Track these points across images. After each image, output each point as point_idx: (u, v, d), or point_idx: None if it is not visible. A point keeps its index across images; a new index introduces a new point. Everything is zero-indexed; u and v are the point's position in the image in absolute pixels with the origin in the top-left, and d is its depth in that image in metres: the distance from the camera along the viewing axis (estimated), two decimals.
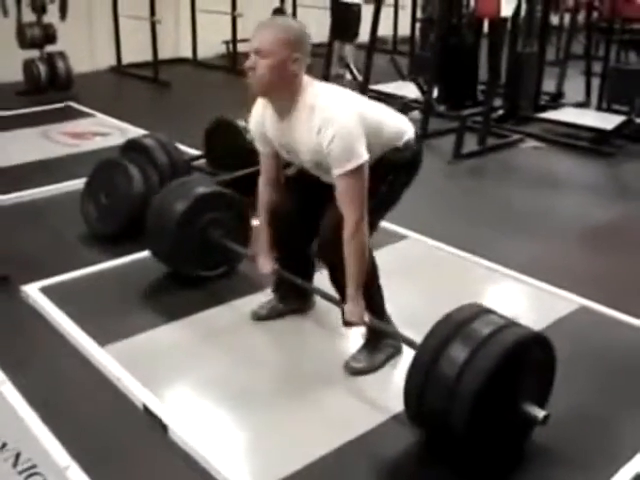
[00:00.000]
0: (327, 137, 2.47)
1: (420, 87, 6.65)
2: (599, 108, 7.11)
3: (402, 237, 4.10)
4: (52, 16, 7.54)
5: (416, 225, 4.17)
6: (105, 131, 6.30)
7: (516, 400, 2.30)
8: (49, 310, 3.28)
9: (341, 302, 2.80)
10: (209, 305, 3.38)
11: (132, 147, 4.31)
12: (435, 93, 6.65)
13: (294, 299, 3.30)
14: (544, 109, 7.00)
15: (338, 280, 2.78)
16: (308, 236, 2.97)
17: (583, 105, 7.44)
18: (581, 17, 8.54)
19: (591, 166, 5.88)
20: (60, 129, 6.35)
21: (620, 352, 3.10)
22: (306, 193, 2.95)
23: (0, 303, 3.40)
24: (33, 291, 3.45)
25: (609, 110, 6.91)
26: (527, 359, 2.32)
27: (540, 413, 2.30)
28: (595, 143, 6.19)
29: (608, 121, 6.36)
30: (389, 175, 2.81)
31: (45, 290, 3.46)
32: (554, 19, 8.85)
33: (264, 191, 2.98)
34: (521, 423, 2.35)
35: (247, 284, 3.57)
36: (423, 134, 6.06)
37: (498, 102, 6.77)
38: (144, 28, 8.49)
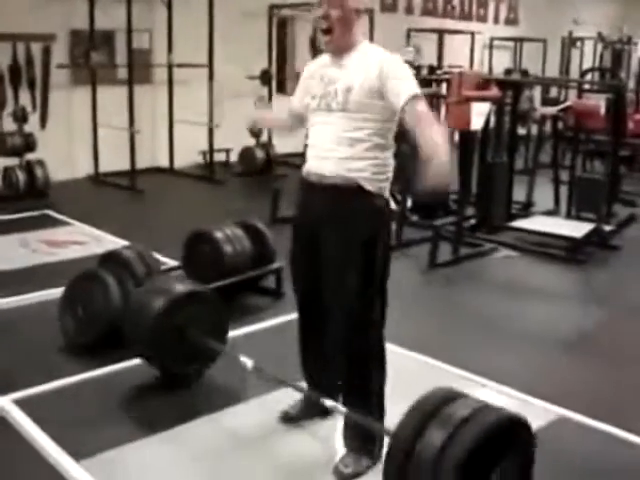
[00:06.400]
0: (395, 72, 2.78)
1: (394, 197, 6.76)
2: (568, 215, 7.30)
3: None
4: (32, 124, 7.70)
5: (392, 336, 4.16)
6: (82, 240, 6.34)
7: None
8: (23, 423, 3.22)
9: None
10: (188, 418, 3.34)
11: (110, 259, 4.34)
12: (409, 203, 6.80)
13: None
14: (515, 218, 7.15)
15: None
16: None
17: (553, 213, 7.64)
18: (547, 127, 8.82)
19: (563, 274, 5.99)
20: (38, 237, 6.39)
21: (600, 463, 3.10)
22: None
23: None
24: (7, 403, 3.39)
25: (578, 218, 7.09)
26: (506, 442, 2.27)
27: None
28: (566, 251, 6.32)
29: (578, 229, 6.52)
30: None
31: (19, 402, 3.41)
32: (522, 129, 9.14)
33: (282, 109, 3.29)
34: None
35: (226, 396, 3.56)
36: (398, 243, 6.15)
37: (470, 211, 6.92)
38: (122, 138, 8.66)
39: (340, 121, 2.82)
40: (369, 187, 2.85)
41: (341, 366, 3.00)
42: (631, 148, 8.98)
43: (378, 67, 2.78)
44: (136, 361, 3.81)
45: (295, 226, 3.11)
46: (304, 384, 3.29)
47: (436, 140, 2.69)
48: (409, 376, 3.63)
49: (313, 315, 3.14)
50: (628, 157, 9.11)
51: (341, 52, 2.89)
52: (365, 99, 2.78)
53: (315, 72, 2.99)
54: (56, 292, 4.39)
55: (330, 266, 2.93)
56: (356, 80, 2.79)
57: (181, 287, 3.65)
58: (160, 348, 3.49)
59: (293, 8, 10.39)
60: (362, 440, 2.94)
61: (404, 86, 2.76)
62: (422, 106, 2.77)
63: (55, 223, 6.96)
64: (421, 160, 2.68)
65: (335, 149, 2.83)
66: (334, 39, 2.87)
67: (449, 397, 2.39)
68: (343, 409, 2.94)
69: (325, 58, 3.00)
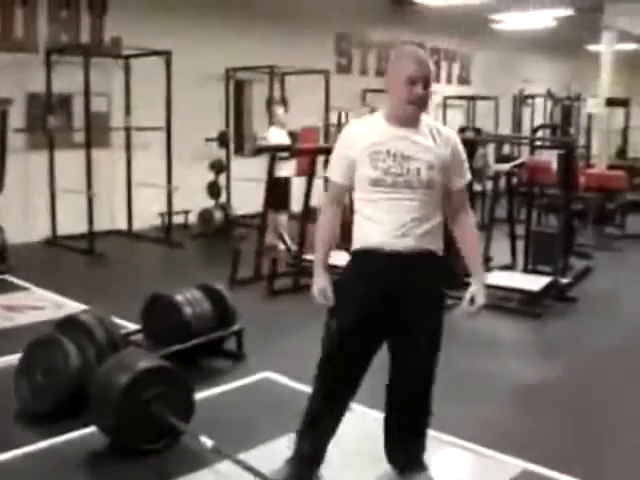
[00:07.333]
0: (461, 154, 3.04)
1: None
2: (525, 269, 7.38)
3: None
4: None
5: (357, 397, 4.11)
6: (40, 305, 6.26)
7: None
8: None
9: None
10: None
11: (69, 324, 4.27)
12: None
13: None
14: None
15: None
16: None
17: (510, 267, 7.71)
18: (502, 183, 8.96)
19: (521, 327, 6.06)
20: None
21: None
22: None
23: None
24: None
25: (534, 271, 7.18)
26: None
27: None
28: (524, 304, 6.41)
29: (535, 283, 6.60)
30: None
31: None
32: (477, 186, 9.28)
33: (333, 217, 3.19)
34: None
35: (191, 460, 3.50)
36: None
37: None
38: (80, 201, 8.62)
39: (420, 197, 2.93)
40: (440, 254, 3.05)
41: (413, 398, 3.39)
42: (583, 202, 9.17)
43: (452, 147, 2.99)
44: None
45: (354, 298, 3.09)
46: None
47: (478, 251, 3.25)
48: (375, 436, 3.61)
49: (353, 378, 3.30)
50: (581, 211, 9.30)
51: (414, 124, 2.95)
52: (440, 177, 2.95)
53: (378, 144, 2.94)
54: (12, 359, 4.32)
55: (416, 329, 3.14)
56: (435, 157, 2.93)
57: (145, 364, 3.62)
58: (125, 431, 3.48)
59: (249, 71, 10.56)
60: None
61: (465, 171, 3.07)
62: (466, 193, 3.13)
63: (12, 288, 6.85)
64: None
65: (417, 225, 2.93)
66: (420, 111, 2.95)
67: None
68: None
69: (385, 128, 2.98)
